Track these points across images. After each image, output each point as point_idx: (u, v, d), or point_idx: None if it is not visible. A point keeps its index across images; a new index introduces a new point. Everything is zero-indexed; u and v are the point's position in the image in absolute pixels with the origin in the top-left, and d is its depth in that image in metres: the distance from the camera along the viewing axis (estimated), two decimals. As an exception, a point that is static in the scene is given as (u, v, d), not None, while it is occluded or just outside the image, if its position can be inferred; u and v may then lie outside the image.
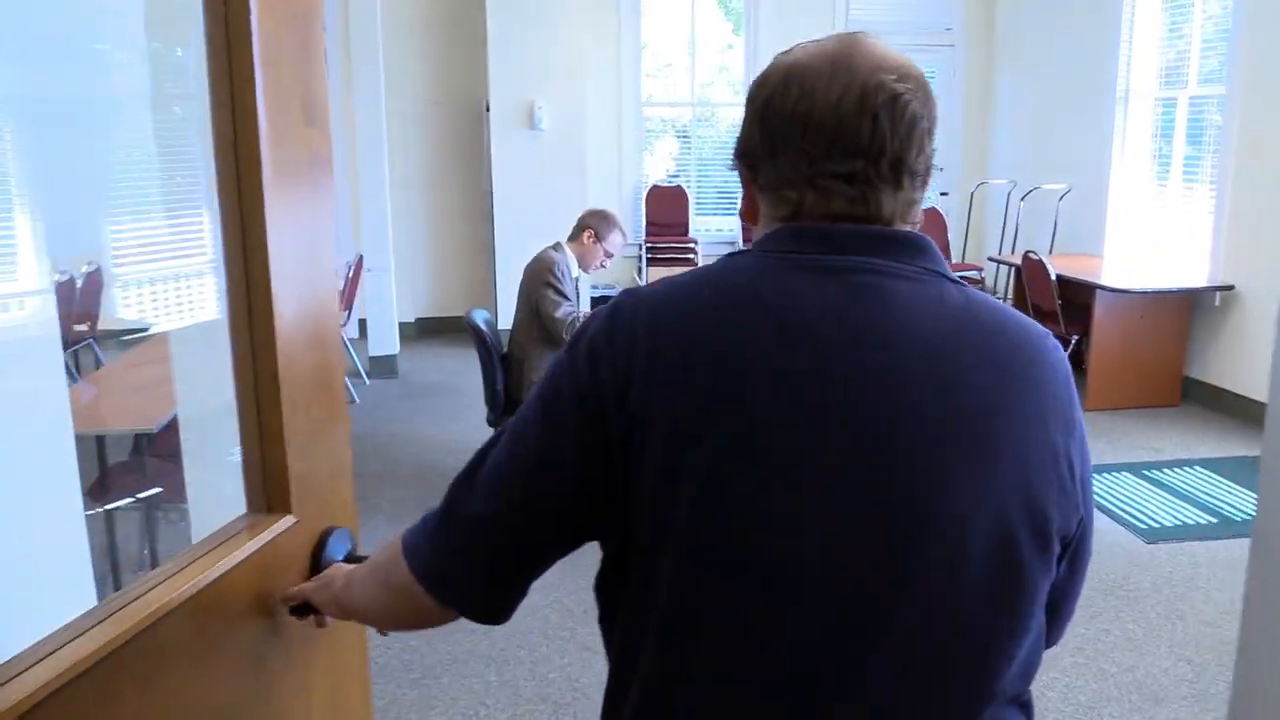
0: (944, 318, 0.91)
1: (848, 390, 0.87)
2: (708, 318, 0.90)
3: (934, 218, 8.04)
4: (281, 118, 1.11)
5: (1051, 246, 7.36)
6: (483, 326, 4.11)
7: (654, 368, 0.88)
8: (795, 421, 0.87)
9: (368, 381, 6.71)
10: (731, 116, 8.62)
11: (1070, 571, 1.00)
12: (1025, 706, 0.99)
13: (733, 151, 1.02)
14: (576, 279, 4.25)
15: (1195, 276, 6.00)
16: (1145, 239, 6.67)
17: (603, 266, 4.28)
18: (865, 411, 0.87)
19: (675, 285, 0.95)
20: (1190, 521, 4.27)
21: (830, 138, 0.92)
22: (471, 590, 0.97)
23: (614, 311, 0.93)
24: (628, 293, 0.96)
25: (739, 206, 1.09)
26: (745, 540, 0.87)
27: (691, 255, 8.10)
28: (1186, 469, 4.92)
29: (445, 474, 5.13)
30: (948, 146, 8.62)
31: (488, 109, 7.43)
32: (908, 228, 0.97)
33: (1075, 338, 6.11)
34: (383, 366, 6.83)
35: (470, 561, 0.95)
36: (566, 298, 4.05)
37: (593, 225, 4.19)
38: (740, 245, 8.31)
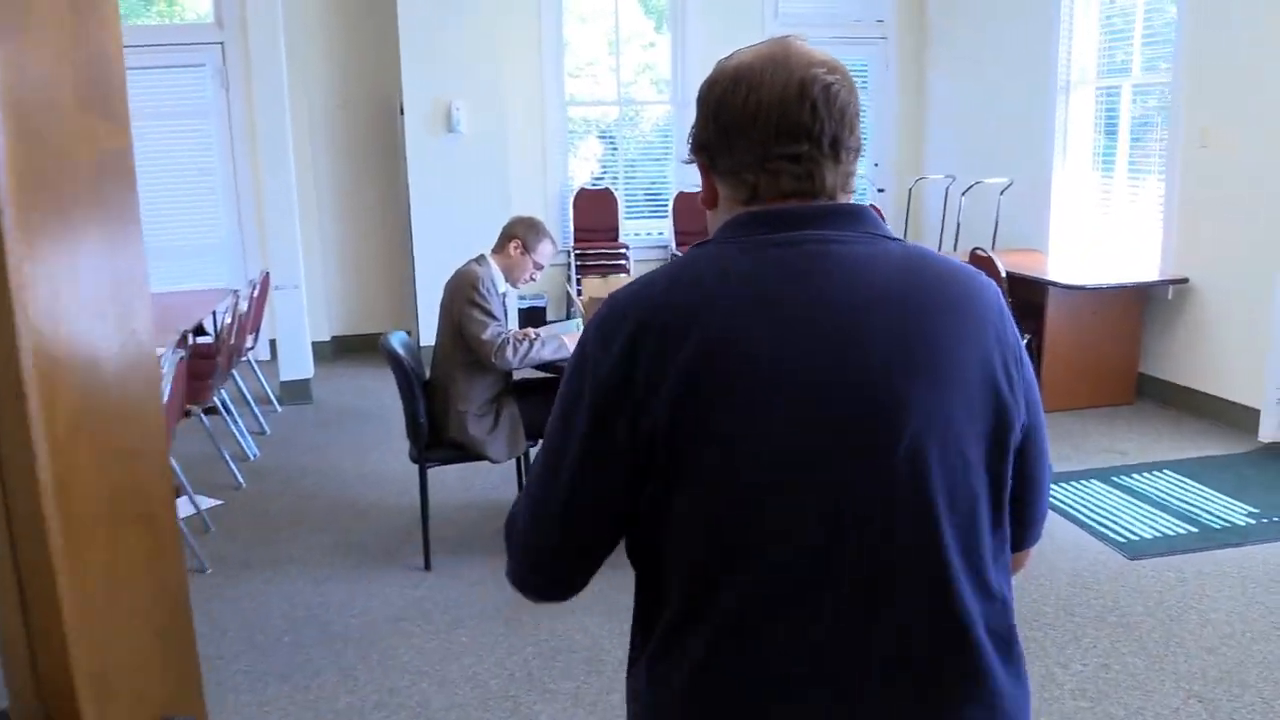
0: (889, 271, 1.06)
1: (816, 339, 1.02)
2: (695, 299, 1.04)
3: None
4: (40, 106, 0.70)
5: (994, 242, 7.14)
6: (400, 351, 3.67)
7: (657, 350, 1.02)
8: (775, 369, 1.01)
9: (279, 409, 6.18)
10: (657, 115, 8.26)
11: (1027, 467, 1.15)
12: (987, 591, 1.09)
13: (689, 146, 1.16)
14: (504, 294, 3.84)
15: (1146, 270, 5.80)
16: (1091, 232, 6.48)
17: (532, 279, 3.87)
18: (833, 354, 1.02)
19: (658, 278, 1.08)
20: (1170, 532, 4.02)
21: (777, 125, 1.07)
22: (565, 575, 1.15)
23: (610, 308, 1.07)
24: (621, 292, 1.09)
25: (700, 195, 1.18)
26: (750, 464, 1.02)
27: (623, 261, 7.72)
28: (1155, 473, 4.69)
29: (364, 513, 4.73)
30: (883, 141, 8.38)
31: (401, 111, 6.96)
32: (846, 198, 1.12)
33: (1027, 337, 5.87)
34: (295, 392, 6.31)
35: (560, 549, 1.13)
36: (494, 316, 3.63)
37: (520, 235, 3.78)
38: (673, 248, 7.96)
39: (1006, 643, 1.10)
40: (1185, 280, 5.54)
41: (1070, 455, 4.99)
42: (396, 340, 3.75)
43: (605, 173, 8.22)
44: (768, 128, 1.07)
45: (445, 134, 6.93)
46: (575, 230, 7.86)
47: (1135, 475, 4.67)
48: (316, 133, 7.33)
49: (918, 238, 8.20)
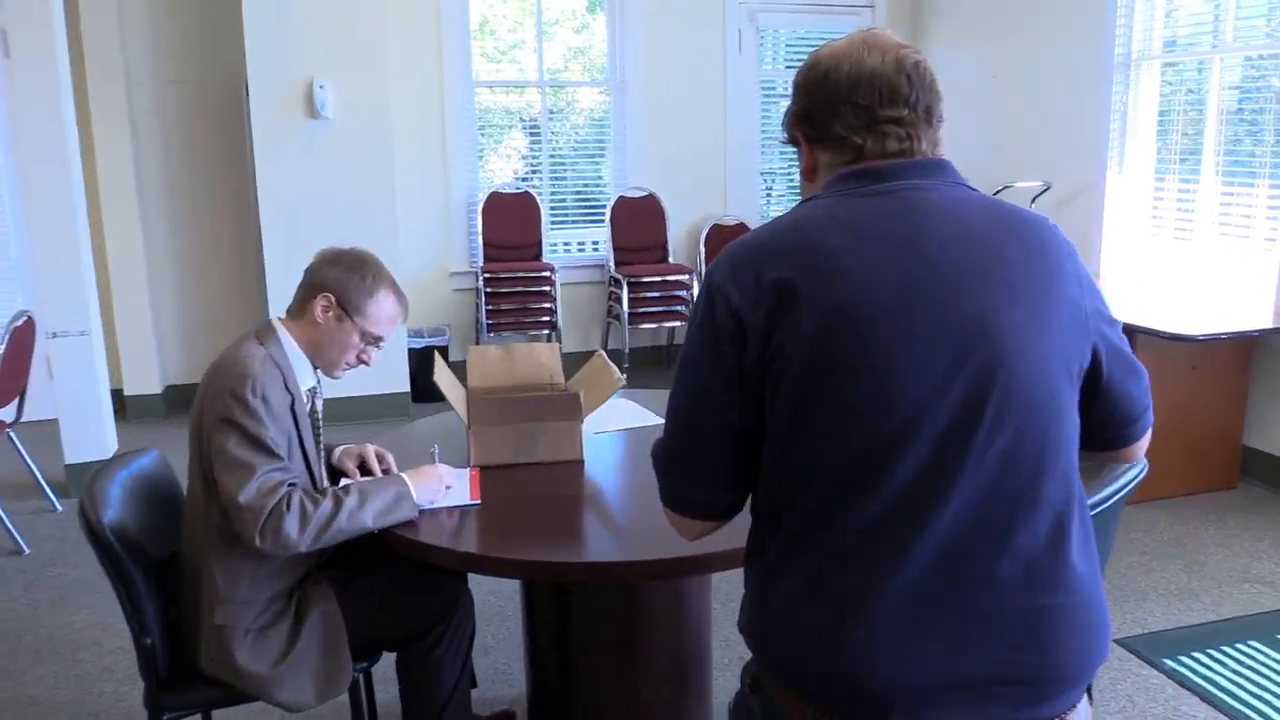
0: (975, 211, 1.20)
1: (913, 271, 1.14)
2: (807, 244, 1.16)
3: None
4: None
5: (1021, 264, 5.60)
6: (105, 514, 1.92)
7: (780, 291, 1.14)
8: (878, 295, 1.13)
9: (59, 507, 4.36)
10: (592, 102, 6.58)
11: (1111, 380, 1.25)
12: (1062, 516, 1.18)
13: (787, 124, 1.31)
14: (311, 391, 2.13)
15: (1255, 310, 4.28)
16: (1161, 255, 4.94)
17: (363, 363, 2.15)
18: (930, 283, 1.14)
19: (775, 230, 1.21)
20: None
21: (880, 93, 1.21)
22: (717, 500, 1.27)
23: (738, 256, 1.20)
24: (742, 244, 1.21)
25: (800, 166, 1.31)
26: (861, 390, 1.12)
27: (547, 288, 6.01)
28: (1339, 628, 3.14)
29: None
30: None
31: (247, 91, 5.19)
32: (936, 156, 1.26)
33: (1096, 399, 4.31)
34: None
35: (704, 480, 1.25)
36: (269, 452, 1.91)
37: (332, 285, 2.06)
38: (611, 266, 6.28)
39: (1080, 538, 1.19)
40: (1322, 326, 4.02)
41: (1194, 587, 3.43)
42: (109, 503, 2.01)
43: (531, 173, 6.50)
44: (872, 94, 1.21)
45: (306, 120, 5.18)
46: (485, 247, 6.14)
47: (1311, 631, 3.12)
48: (141, 119, 5.52)
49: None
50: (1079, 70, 5.21)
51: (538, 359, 2.68)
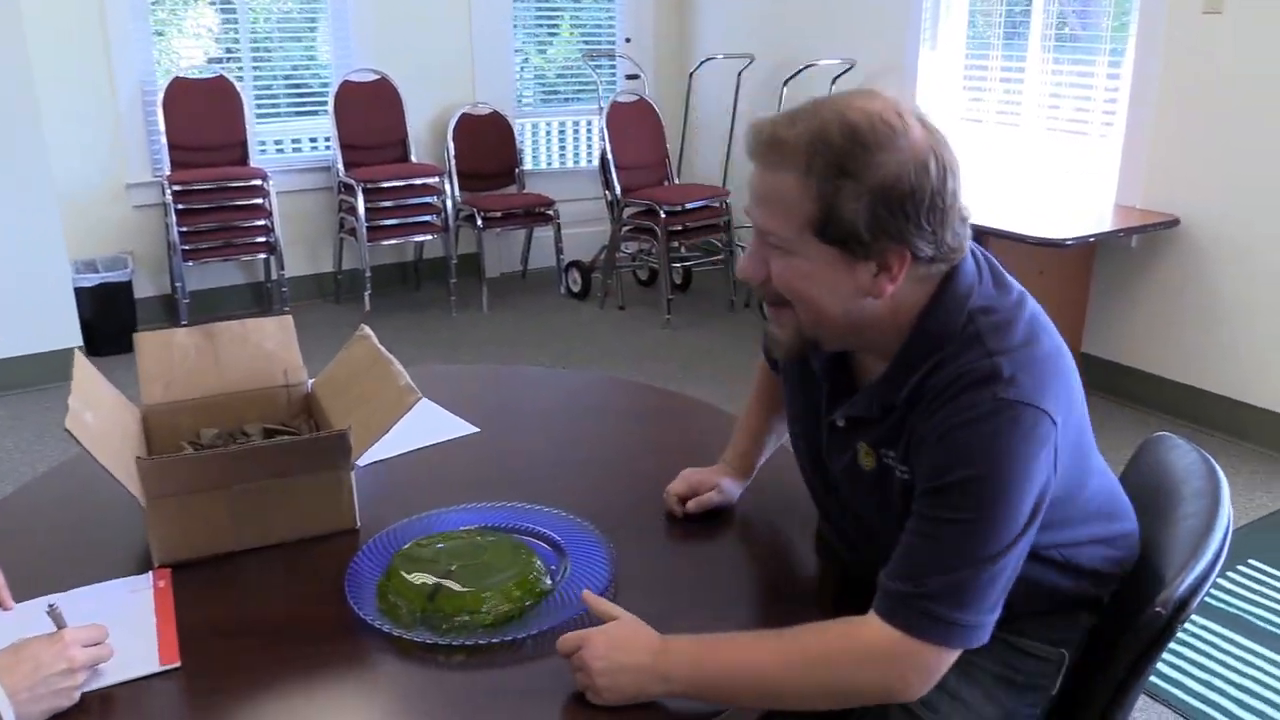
0: None
1: None
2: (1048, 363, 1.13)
3: (647, 120, 5.31)
4: None
5: (820, 155, 4.95)
6: None
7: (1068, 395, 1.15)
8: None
9: None
10: (300, -40, 5.23)
11: None
12: None
13: (884, 233, 1.06)
14: None
15: (1093, 203, 3.84)
16: (982, 142, 4.43)
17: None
18: None
19: (1037, 352, 1.13)
20: None
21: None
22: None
23: (1037, 414, 1.06)
24: (1032, 394, 1.07)
25: (892, 282, 1.10)
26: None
27: (259, 200, 4.76)
28: (1240, 574, 2.74)
29: None
30: (634, 7, 5.89)
31: None
32: None
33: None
34: None
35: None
36: None
37: None
38: (340, 168, 5.09)
39: None
40: (1175, 221, 3.61)
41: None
42: None
43: (227, 54, 5.11)
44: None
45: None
46: (172, 150, 4.76)
47: (1225, 589, 2.70)
48: None
49: (706, 146, 5.86)
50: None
51: (258, 345, 1.66)
